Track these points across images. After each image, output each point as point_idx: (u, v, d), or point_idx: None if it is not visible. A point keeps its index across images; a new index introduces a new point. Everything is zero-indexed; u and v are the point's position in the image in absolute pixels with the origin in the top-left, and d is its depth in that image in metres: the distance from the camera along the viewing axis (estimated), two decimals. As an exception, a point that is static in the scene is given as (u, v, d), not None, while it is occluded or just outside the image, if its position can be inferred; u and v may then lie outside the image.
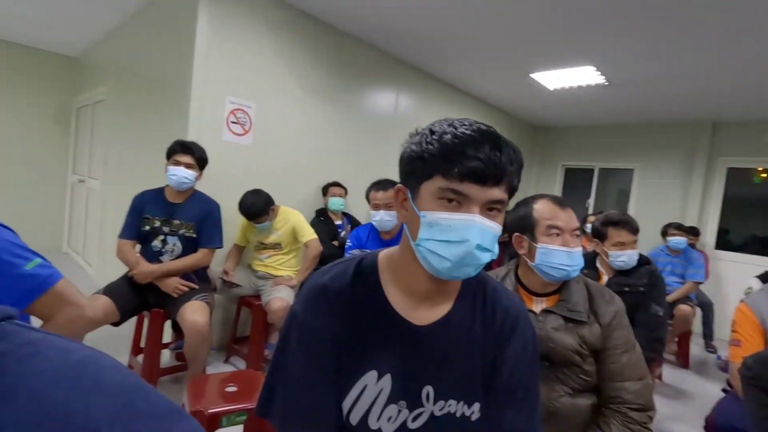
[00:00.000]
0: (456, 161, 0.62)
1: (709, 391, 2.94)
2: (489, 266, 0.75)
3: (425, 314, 0.73)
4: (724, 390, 1.89)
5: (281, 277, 2.57)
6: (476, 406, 0.72)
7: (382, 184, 2.27)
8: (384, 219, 2.18)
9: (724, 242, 4.83)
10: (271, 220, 2.56)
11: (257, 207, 2.46)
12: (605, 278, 2.03)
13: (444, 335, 0.73)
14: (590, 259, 2.11)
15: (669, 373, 3.29)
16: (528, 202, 1.17)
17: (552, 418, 1.04)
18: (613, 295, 1.14)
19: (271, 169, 2.98)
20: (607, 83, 3.81)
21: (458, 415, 0.72)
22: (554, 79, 3.88)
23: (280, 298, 2.34)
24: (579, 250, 1.08)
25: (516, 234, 1.16)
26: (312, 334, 0.71)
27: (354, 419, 0.70)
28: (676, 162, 4.97)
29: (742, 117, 4.50)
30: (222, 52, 2.62)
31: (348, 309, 0.72)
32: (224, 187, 2.63)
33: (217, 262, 2.56)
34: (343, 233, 3.21)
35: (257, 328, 2.49)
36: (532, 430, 0.75)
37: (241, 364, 2.59)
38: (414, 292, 0.73)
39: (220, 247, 2.28)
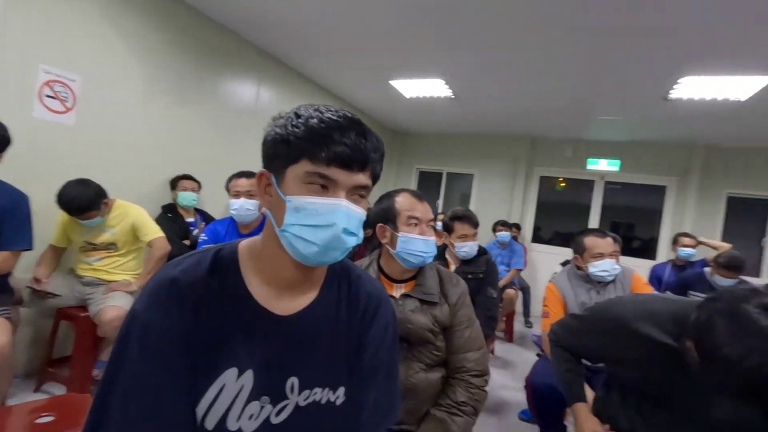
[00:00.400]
0: (323, 145, 0.62)
1: (528, 359, 3.56)
2: (352, 258, 0.77)
3: (290, 303, 0.71)
4: (537, 355, 2.31)
5: (117, 283, 2.20)
6: (341, 390, 0.73)
7: (244, 173, 2.14)
8: (244, 207, 2.05)
9: (537, 237, 5.94)
10: (102, 216, 2.17)
11: (84, 200, 2.05)
12: (453, 267, 2.29)
13: (309, 323, 0.72)
14: (440, 251, 2.38)
15: (498, 347, 3.88)
16: (390, 195, 1.27)
17: (409, 393, 1.13)
18: (459, 279, 1.31)
19: (104, 156, 2.53)
20: (453, 97, 4.30)
21: (323, 402, 0.72)
22: (410, 87, 4.21)
23: (114, 307, 2.00)
24: (433, 239, 1.21)
25: (379, 224, 1.24)
26: (159, 335, 0.62)
27: (210, 423, 0.64)
28: (504, 170, 5.90)
29: (552, 134, 5.58)
30: (28, 10, 2.12)
31: (204, 304, 0.66)
32: (36, 176, 2.14)
33: (25, 268, 2.06)
34: (195, 231, 2.92)
35: (83, 345, 2.08)
36: (394, 407, 0.79)
37: (60, 391, 2.14)
38: (278, 281, 0.71)
39: (29, 248, 1.83)
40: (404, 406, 0.92)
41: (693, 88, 3.29)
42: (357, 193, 0.66)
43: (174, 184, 2.96)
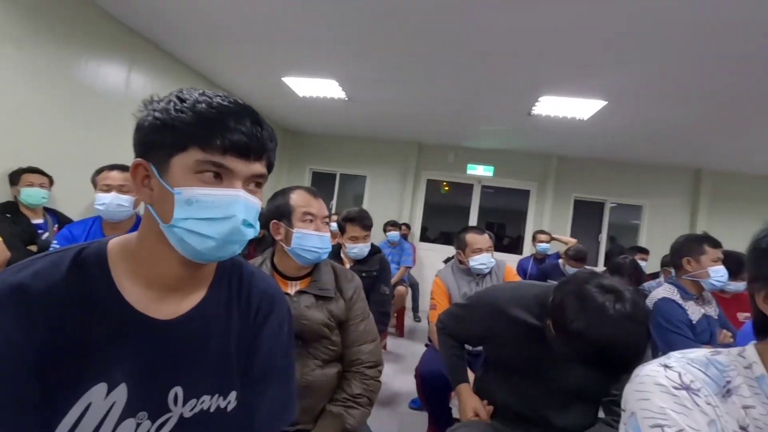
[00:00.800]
0: (217, 132, 0.57)
1: (418, 351, 3.74)
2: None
3: (173, 306, 0.65)
4: (426, 345, 2.47)
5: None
6: (233, 395, 0.69)
7: (118, 166, 1.86)
8: (114, 203, 1.76)
9: (425, 236, 6.34)
10: None
11: None
12: (348, 266, 2.32)
13: (196, 326, 0.67)
14: (336, 250, 2.39)
15: (390, 342, 4.04)
16: (285, 192, 1.24)
17: (305, 391, 1.11)
18: (353, 274, 1.33)
19: None
20: (347, 99, 4.36)
21: (213, 410, 0.67)
22: (304, 86, 4.15)
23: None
24: (328, 235, 1.21)
25: (274, 221, 1.20)
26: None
27: None
28: (395, 173, 6.17)
29: (437, 141, 6.00)
30: None
31: (61, 313, 0.56)
32: None
33: None
34: (46, 235, 2.47)
35: None
36: (290, 407, 0.77)
37: None
38: (160, 282, 0.64)
39: None
40: (300, 405, 0.91)
41: (549, 106, 3.85)
42: (254, 182, 0.63)
43: (15, 178, 2.46)
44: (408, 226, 5.67)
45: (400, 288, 4.24)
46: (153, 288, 0.63)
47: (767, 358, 0.57)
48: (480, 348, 1.87)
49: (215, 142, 0.57)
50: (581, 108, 3.81)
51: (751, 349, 0.60)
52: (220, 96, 0.61)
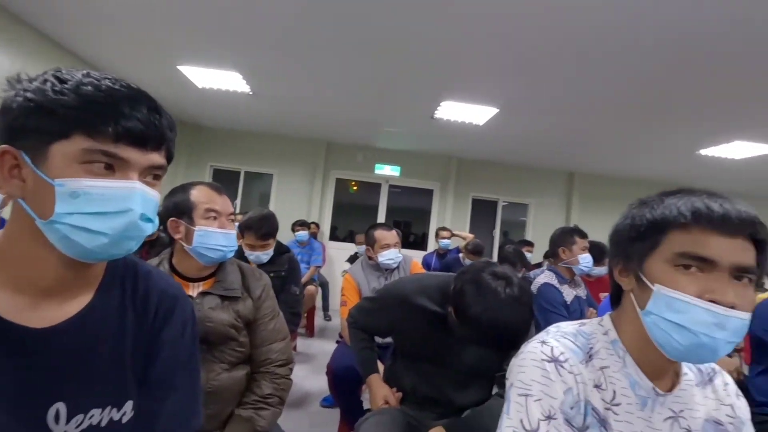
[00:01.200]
0: (109, 118, 0.52)
1: (329, 349, 3.75)
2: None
3: (53, 312, 0.58)
4: (336, 342, 2.49)
5: None
6: (128, 405, 0.64)
7: None
8: None
9: (334, 235, 6.35)
10: None
11: None
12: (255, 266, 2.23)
13: (81, 333, 0.60)
14: (241, 250, 2.28)
15: (300, 342, 3.97)
16: (185, 188, 1.16)
17: (211, 397, 1.05)
18: (261, 272, 1.30)
19: None
20: (251, 93, 4.18)
21: (104, 424, 0.61)
22: (203, 77, 3.88)
23: None
24: (234, 233, 1.16)
25: (172, 219, 1.11)
26: None
27: None
28: (303, 171, 6.07)
29: (345, 140, 6.04)
30: None
31: None
32: None
33: None
34: None
35: None
36: (195, 413, 0.73)
37: None
38: (35, 286, 0.56)
39: None
40: (206, 411, 0.86)
41: (450, 110, 4.13)
42: (151, 174, 0.59)
43: None
44: (317, 225, 5.63)
45: (310, 288, 4.20)
46: (26, 293, 0.56)
47: (619, 324, 0.70)
48: (389, 340, 1.95)
49: (106, 129, 0.52)
50: (477, 114, 4.15)
51: (607, 319, 0.73)
52: (109, 78, 0.55)
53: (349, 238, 6.44)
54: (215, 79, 3.89)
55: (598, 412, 0.64)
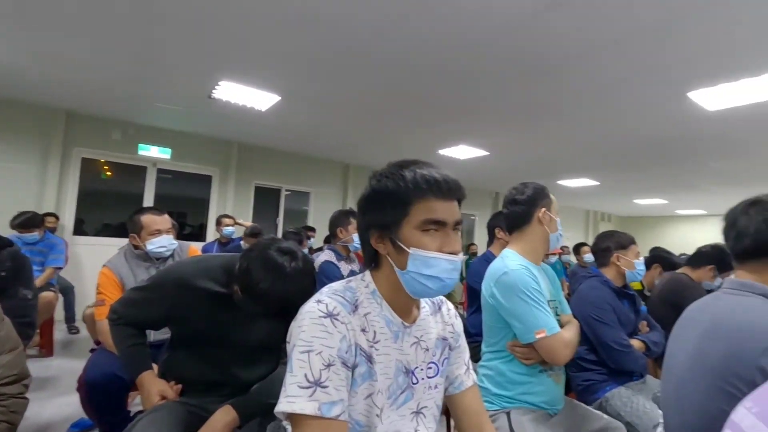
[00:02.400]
0: None
1: (77, 367, 3.03)
2: None
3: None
4: (91, 350, 2.06)
5: None
6: None
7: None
8: None
9: (80, 230, 5.12)
10: None
11: None
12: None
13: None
14: None
15: (33, 365, 3.08)
16: None
17: None
18: None
19: None
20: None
21: None
22: None
23: None
24: None
25: None
26: None
27: None
28: (31, 147, 4.66)
29: (95, 111, 4.92)
30: None
31: None
32: None
33: None
34: None
35: None
36: None
37: None
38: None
39: None
40: None
41: (229, 91, 3.92)
42: None
43: None
44: (56, 217, 4.44)
45: (47, 294, 3.29)
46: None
47: (377, 279, 0.86)
48: (162, 337, 1.75)
49: None
50: (259, 99, 4.08)
51: (368, 275, 0.88)
52: None
53: (105, 232, 5.34)
54: None
55: (364, 351, 0.78)
